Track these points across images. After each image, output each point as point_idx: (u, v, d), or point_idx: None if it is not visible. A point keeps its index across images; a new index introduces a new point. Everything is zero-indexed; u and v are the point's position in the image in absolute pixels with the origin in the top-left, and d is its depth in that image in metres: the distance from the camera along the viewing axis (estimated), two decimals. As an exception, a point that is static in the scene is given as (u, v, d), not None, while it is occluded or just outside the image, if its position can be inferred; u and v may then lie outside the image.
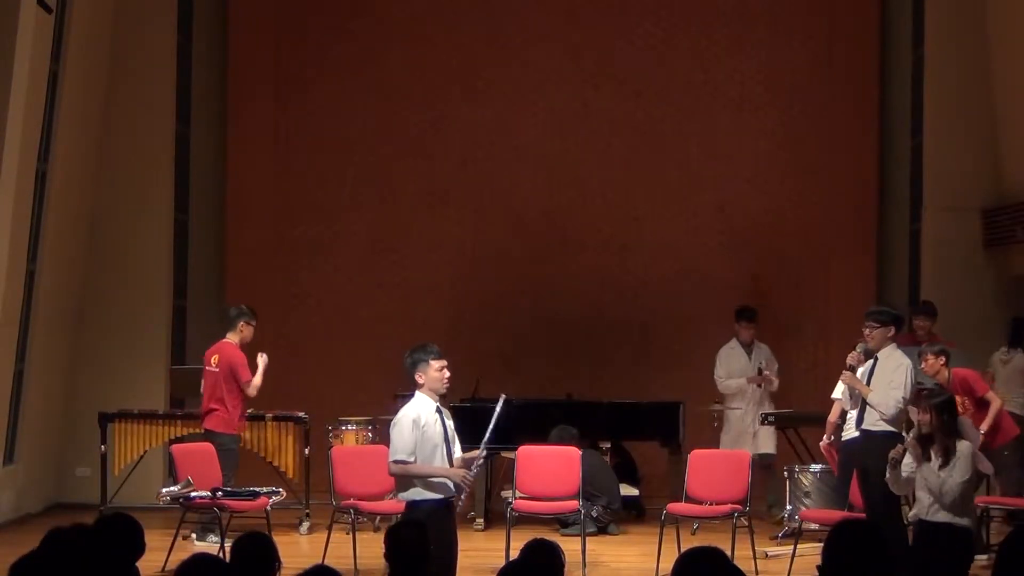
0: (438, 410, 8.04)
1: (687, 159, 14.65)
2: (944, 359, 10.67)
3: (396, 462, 7.93)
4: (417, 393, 8.04)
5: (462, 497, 8.13)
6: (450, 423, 8.11)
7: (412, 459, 7.89)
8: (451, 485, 7.96)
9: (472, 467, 8.08)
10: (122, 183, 13.32)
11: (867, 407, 9.45)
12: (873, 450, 9.29)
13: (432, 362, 8.02)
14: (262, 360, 11.19)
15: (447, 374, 8.07)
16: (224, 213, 14.83)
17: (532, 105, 14.64)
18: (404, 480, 7.99)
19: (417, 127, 14.69)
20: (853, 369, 9.60)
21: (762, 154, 14.57)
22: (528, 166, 14.67)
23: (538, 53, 14.65)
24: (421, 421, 7.93)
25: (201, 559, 4.99)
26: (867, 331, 9.58)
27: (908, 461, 8.29)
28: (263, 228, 14.68)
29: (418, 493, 7.95)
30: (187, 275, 14.37)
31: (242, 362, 11.12)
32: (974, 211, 13.24)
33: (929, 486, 8.14)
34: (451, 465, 8.01)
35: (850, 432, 9.65)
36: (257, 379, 11.14)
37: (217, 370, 11.14)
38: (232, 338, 11.27)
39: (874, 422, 9.41)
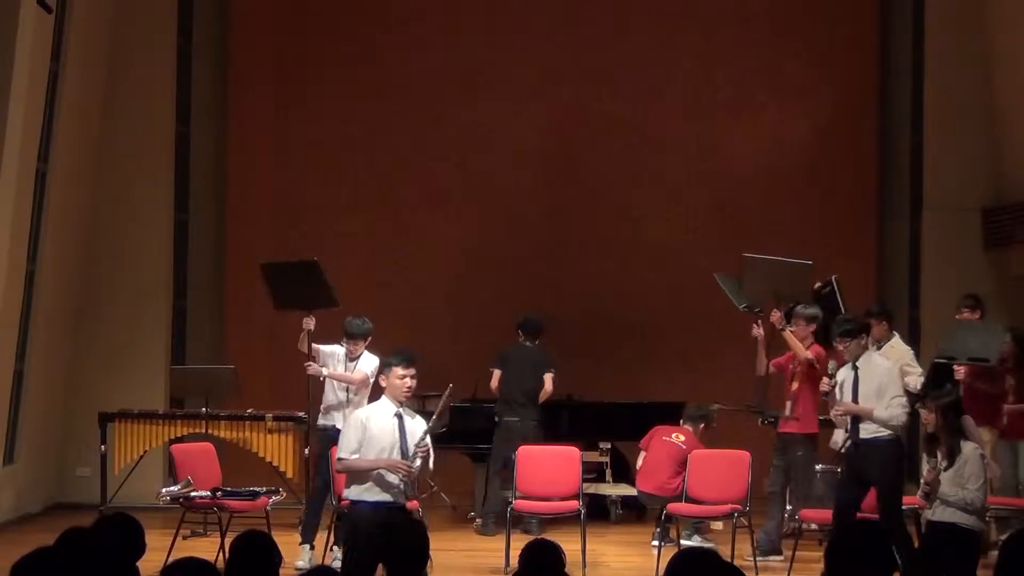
0: (397, 415, 7.98)
1: (687, 159, 14.64)
2: (979, 313, 10.88)
3: (339, 459, 7.97)
4: (382, 396, 8.07)
5: (408, 494, 8.01)
6: (415, 429, 8.00)
7: (354, 457, 7.88)
8: (394, 481, 7.84)
9: (413, 457, 7.90)
10: (122, 183, 13.30)
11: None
12: (876, 458, 9.25)
13: (396, 368, 7.97)
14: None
15: (409, 383, 7.99)
16: (224, 213, 14.83)
17: (532, 105, 14.64)
18: (349, 478, 7.94)
19: (417, 127, 14.68)
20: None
21: (762, 154, 14.56)
22: (528, 166, 14.67)
23: (538, 53, 14.65)
24: (370, 422, 7.91)
25: (189, 562, 4.96)
26: (841, 347, 9.43)
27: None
28: (263, 228, 14.67)
29: (355, 492, 7.87)
30: (187, 275, 14.35)
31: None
32: (974, 211, 13.24)
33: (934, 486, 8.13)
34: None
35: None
36: None
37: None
38: None
39: (874, 430, 9.27)
